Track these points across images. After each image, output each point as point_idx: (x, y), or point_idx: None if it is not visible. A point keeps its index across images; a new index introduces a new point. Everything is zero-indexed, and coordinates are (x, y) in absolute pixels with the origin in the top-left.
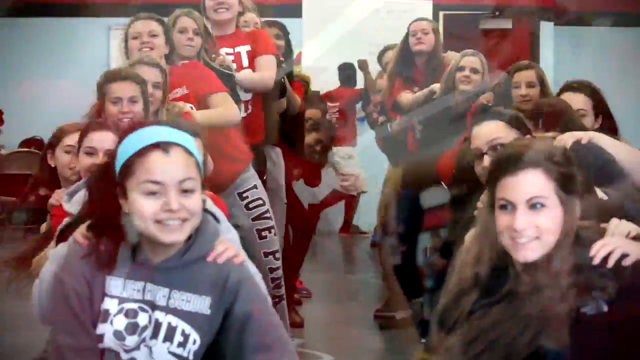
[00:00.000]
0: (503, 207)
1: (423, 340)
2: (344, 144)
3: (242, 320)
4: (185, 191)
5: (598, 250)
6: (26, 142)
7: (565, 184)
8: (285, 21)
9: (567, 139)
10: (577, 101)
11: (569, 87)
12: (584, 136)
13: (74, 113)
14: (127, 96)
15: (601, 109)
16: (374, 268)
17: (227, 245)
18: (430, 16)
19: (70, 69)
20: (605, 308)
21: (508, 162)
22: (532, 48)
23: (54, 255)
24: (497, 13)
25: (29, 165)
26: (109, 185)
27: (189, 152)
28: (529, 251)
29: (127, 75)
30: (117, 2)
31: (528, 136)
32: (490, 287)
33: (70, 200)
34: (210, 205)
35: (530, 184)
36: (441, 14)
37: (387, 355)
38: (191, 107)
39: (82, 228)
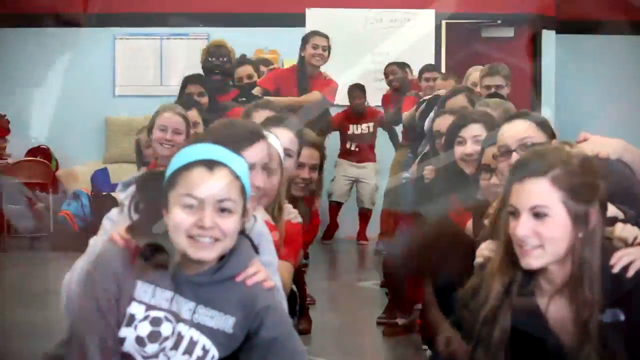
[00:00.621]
0: (512, 213)
1: (425, 347)
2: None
3: (268, 345)
4: (222, 211)
5: (619, 260)
6: (32, 151)
7: (578, 194)
8: (289, 31)
9: (593, 147)
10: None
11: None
12: (613, 148)
13: (80, 122)
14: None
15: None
16: (378, 275)
17: (259, 268)
18: (432, 25)
19: (76, 79)
20: (622, 317)
21: (518, 169)
22: (533, 57)
23: (90, 249)
24: (499, 22)
25: (35, 174)
26: (156, 193)
27: (234, 174)
28: (532, 258)
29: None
30: (123, 12)
31: (555, 141)
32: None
33: (126, 191)
34: (260, 224)
35: (533, 192)
36: (443, 22)
37: None
38: None
39: (122, 229)
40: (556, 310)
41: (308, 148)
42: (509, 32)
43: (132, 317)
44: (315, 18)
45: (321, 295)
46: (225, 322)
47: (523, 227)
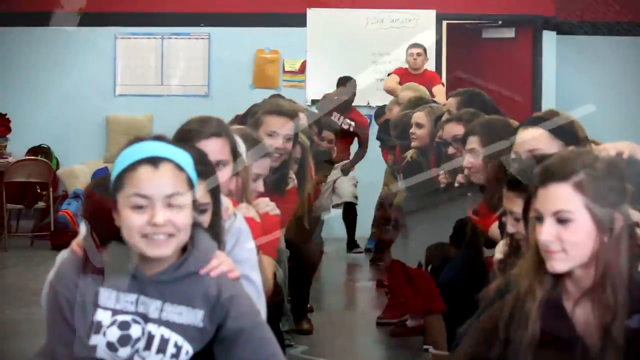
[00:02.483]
0: (537, 218)
1: (425, 347)
2: None
3: (234, 336)
4: (173, 206)
5: None
6: (33, 150)
7: (603, 198)
8: (290, 30)
9: (610, 149)
10: (535, 138)
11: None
12: (626, 149)
13: (81, 121)
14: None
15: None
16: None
17: (222, 260)
18: (433, 25)
19: (77, 78)
20: None
21: (542, 174)
22: (534, 57)
23: (58, 260)
24: (500, 22)
25: (36, 173)
26: (104, 197)
27: (180, 168)
28: (556, 262)
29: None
30: (124, 11)
31: (572, 148)
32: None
33: None
34: (239, 220)
35: (556, 197)
36: (444, 23)
37: None
38: None
39: (79, 238)
40: (582, 313)
41: (281, 117)
42: (509, 33)
43: (99, 324)
44: (317, 18)
45: (320, 296)
46: (194, 317)
47: (546, 233)
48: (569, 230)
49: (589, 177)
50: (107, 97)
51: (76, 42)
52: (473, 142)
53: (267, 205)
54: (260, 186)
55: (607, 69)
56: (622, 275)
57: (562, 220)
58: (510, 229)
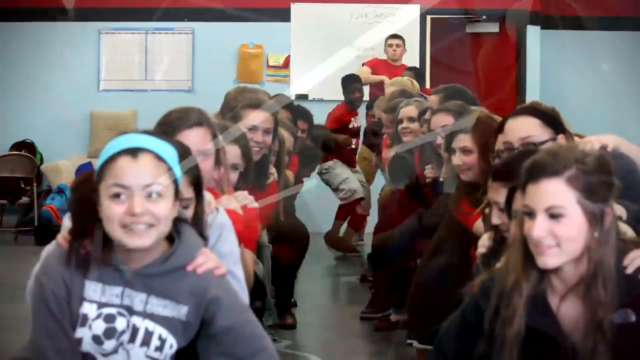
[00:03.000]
0: (527, 213)
1: (409, 341)
2: None
3: (224, 332)
4: (151, 196)
5: (632, 261)
6: (17, 145)
7: (593, 193)
8: (274, 25)
9: (594, 143)
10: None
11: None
12: (610, 142)
13: (67, 117)
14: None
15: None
16: (358, 270)
17: (209, 257)
18: (417, 20)
19: (61, 73)
20: (633, 318)
21: (532, 169)
22: (518, 52)
23: (43, 254)
24: (484, 17)
25: (19, 168)
26: (89, 191)
27: (159, 158)
28: (548, 257)
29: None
30: (107, 6)
31: (561, 137)
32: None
33: None
34: (222, 214)
35: (549, 193)
36: (428, 18)
37: (373, 357)
38: None
39: (65, 230)
40: (567, 309)
41: (260, 111)
42: (493, 28)
43: (85, 317)
44: (300, 13)
45: (303, 291)
46: (178, 311)
47: (539, 228)
48: (561, 225)
49: (581, 172)
50: (91, 92)
51: (60, 37)
52: (465, 140)
53: (246, 198)
54: (234, 177)
55: (591, 63)
56: (611, 270)
57: (554, 215)
58: (495, 220)
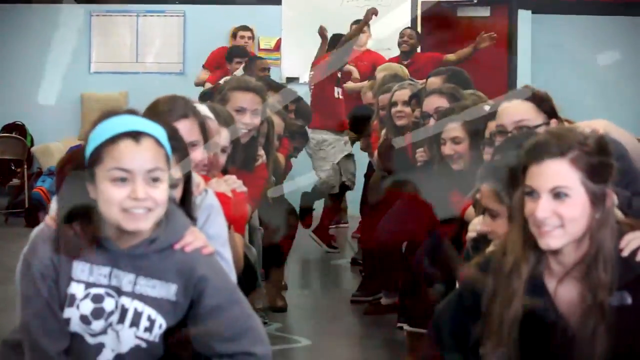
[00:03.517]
0: (529, 194)
1: (399, 325)
2: None
3: (212, 312)
4: (153, 180)
5: (628, 243)
6: (7, 127)
7: (595, 174)
8: (265, 8)
9: (585, 128)
10: (522, 109)
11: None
12: (600, 127)
13: (58, 100)
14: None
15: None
16: (349, 253)
17: (197, 236)
18: (409, 6)
19: (52, 55)
20: (629, 300)
21: (535, 150)
22: (509, 36)
23: (31, 236)
24: (475, 1)
25: (10, 150)
26: (76, 171)
27: (159, 143)
28: (552, 239)
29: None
30: None
31: (553, 121)
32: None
33: None
34: (211, 196)
35: (554, 173)
36: (419, 2)
37: (363, 340)
38: None
39: (53, 211)
40: (564, 292)
41: (247, 92)
42: (484, 12)
43: (73, 297)
44: None
45: (294, 274)
46: (167, 290)
47: (543, 209)
48: (565, 206)
49: (583, 153)
50: (82, 74)
51: (51, 19)
52: (455, 130)
53: (234, 182)
54: (223, 160)
55: (582, 48)
56: (611, 251)
57: (559, 195)
58: (484, 227)
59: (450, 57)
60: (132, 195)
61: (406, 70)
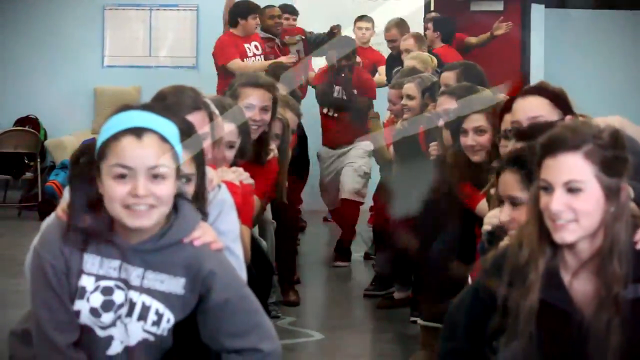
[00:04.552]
0: (544, 188)
1: (413, 319)
2: None
3: (219, 307)
4: (155, 177)
5: None
6: (21, 121)
7: (610, 168)
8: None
9: (599, 123)
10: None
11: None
12: (615, 123)
13: (68, 92)
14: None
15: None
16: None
17: (206, 231)
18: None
19: (65, 49)
20: None
21: (550, 144)
22: (522, 30)
23: (41, 227)
24: None
25: (23, 143)
26: (89, 165)
27: (164, 139)
28: (566, 232)
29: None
30: None
31: (569, 117)
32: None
33: None
34: (223, 191)
35: (568, 167)
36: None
37: (376, 334)
38: None
39: (64, 203)
40: (579, 285)
41: (257, 89)
42: (498, 6)
43: (83, 290)
44: None
45: (306, 268)
46: (176, 284)
47: (557, 202)
48: (579, 200)
49: (597, 146)
50: (95, 68)
51: (64, 13)
52: (479, 119)
53: (242, 174)
54: (231, 155)
55: (595, 42)
56: (626, 245)
57: (573, 189)
58: (503, 217)
59: (472, 39)
60: (133, 192)
61: (435, 60)
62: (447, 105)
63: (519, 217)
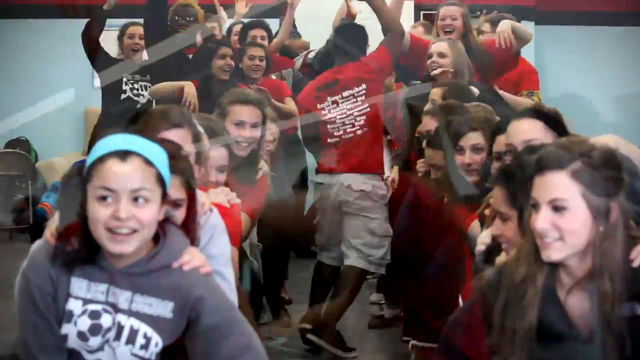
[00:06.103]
0: (533, 205)
1: (405, 338)
2: None
3: (210, 331)
4: (138, 200)
5: (638, 254)
6: (11, 143)
7: (598, 187)
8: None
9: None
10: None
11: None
12: (610, 142)
13: (61, 115)
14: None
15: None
16: None
17: (194, 255)
18: (411, 16)
19: (59, 71)
20: None
21: (539, 162)
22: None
23: (30, 250)
24: (478, 13)
25: (14, 165)
26: (79, 187)
27: (149, 163)
28: (551, 251)
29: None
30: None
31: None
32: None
33: None
34: (215, 215)
35: (554, 185)
36: (422, 14)
37: (368, 354)
38: None
39: (53, 225)
40: (575, 303)
41: (246, 106)
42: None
43: (70, 313)
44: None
45: (297, 289)
46: (164, 308)
47: (542, 220)
48: (564, 219)
49: (586, 166)
50: (85, 89)
51: (55, 34)
52: (477, 137)
53: (228, 194)
54: (223, 177)
55: (586, 59)
56: (617, 264)
57: (558, 208)
58: (495, 230)
59: None
60: (115, 215)
61: None
62: (429, 126)
63: (506, 232)
